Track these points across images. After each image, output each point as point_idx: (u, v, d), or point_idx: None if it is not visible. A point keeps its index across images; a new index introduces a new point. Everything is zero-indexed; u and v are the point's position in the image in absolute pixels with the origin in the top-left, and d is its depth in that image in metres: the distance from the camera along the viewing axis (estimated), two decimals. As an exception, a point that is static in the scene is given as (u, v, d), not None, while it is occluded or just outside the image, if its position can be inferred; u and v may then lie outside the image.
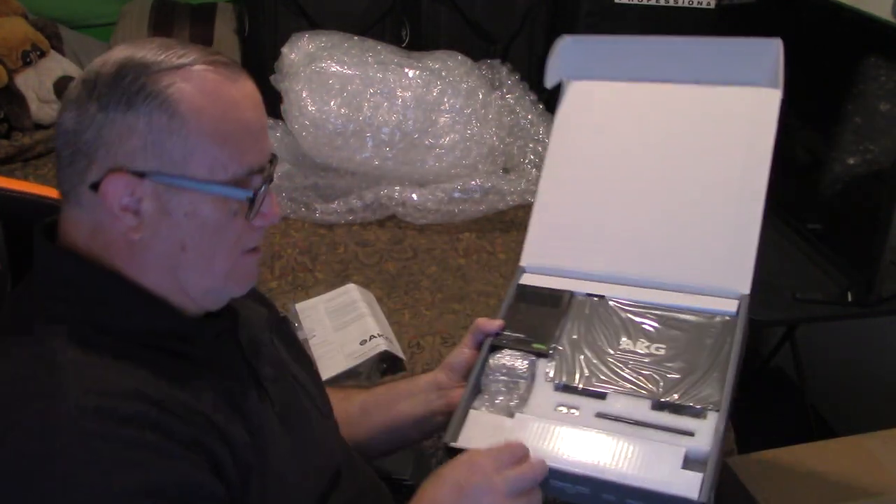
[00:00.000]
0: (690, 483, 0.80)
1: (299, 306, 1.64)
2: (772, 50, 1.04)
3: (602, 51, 1.14)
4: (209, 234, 0.77)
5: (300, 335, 1.55)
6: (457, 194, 2.00)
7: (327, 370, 1.45)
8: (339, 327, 1.55)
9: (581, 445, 0.85)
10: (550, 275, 1.05)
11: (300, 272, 1.80)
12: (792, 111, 1.80)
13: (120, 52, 0.76)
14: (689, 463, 0.82)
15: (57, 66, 2.26)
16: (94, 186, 0.74)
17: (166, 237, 0.77)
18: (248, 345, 0.86)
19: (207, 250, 0.78)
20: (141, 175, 0.74)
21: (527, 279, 1.05)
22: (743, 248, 0.98)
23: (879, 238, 1.51)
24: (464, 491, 0.80)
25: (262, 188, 0.78)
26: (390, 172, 2.05)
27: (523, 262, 1.07)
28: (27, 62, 2.21)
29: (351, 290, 1.65)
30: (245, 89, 0.80)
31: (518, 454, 0.83)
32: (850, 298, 1.57)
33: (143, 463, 0.67)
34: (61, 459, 0.65)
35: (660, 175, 1.06)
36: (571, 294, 1.02)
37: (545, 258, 1.06)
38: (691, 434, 0.85)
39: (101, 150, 0.74)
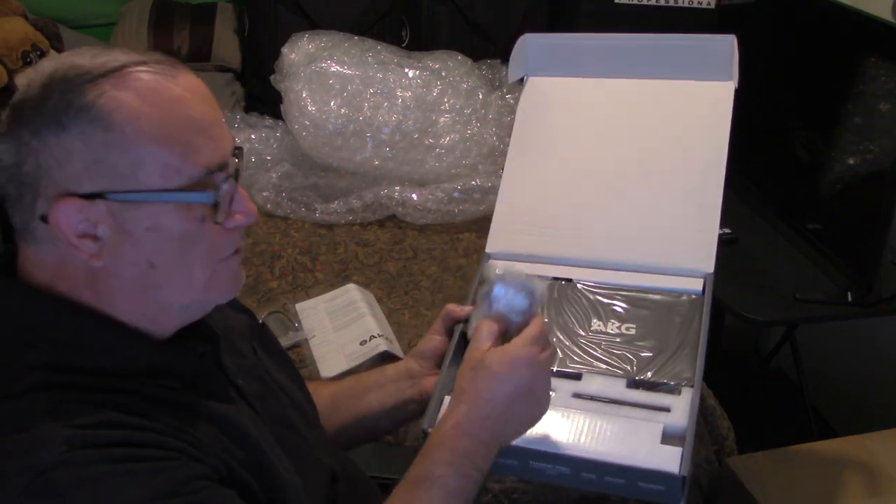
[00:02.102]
0: (670, 457, 0.81)
1: (299, 306, 1.64)
2: (727, 46, 1.08)
3: (562, 48, 1.18)
4: (177, 247, 0.73)
5: (300, 335, 1.55)
6: (457, 194, 1.99)
7: (327, 370, 1.45)
8: (339, 327, 1.55)
9: (559, 426, 0.86)
10: (516, 261, 1.06)
11: (300, 272, 1.80)
12: (792, 111, 1.81)
13: (45, 69, 0.71)
14: (667, 438, 0.83)
15: (57, 66, 2.26)
16: (45, 218, 0.69)
17: (131, 258, 0.71)
18: (232, 367, 0.84)
19: (179, 264, 0.73)
20: (90, 197, 0.69)
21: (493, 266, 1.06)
22: (706, 228, 1.01)
23: (879, 238, 1.51)
24: (522, 389, 0.83)
25: (226, 186, 0.74)
26: (390, 172, 2.05)
27: (489, 249, 1.09)
28: (27, 62, 2.21)
29: (351, 290, 1.65)
30: (187, 84, 0.73)
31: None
32: (850, 298, 1.57)
33: (147, 472, 0.66)
34: (64, 496, 0.63)
35: (621, 163, 1.09)
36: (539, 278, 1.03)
37: (510, 245, 1.08)
38: (667, 410, 0.86)
39: (44, 179, 0.69)
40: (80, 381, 0.70)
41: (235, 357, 0.86)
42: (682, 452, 0.81)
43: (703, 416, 1.51)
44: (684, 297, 0.98)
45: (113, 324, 0.73)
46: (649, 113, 1.11)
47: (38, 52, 2.24)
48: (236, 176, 0.76)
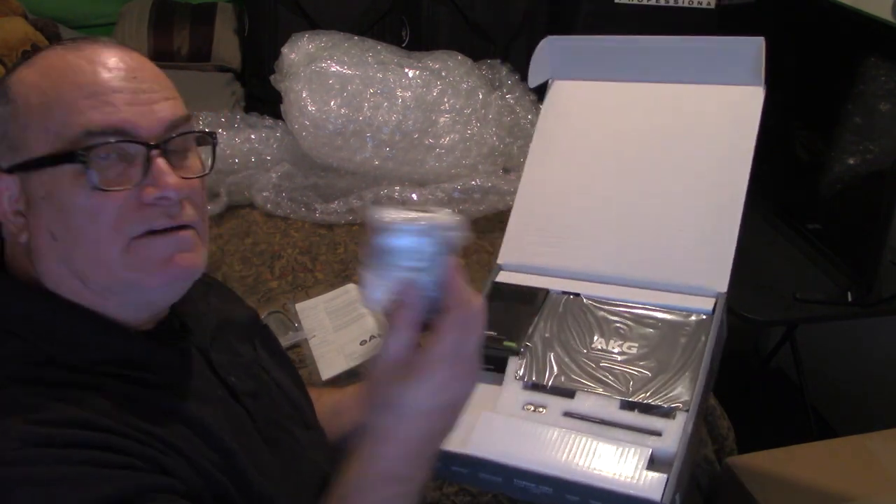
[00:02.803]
0: (654, 484, 0.78)
1: (299, 306, 1.64)
2: (755, 48, 1.03)
3: (586, 51, 1.13)
4: (71, 216, 0.71)
5: (300, 335, 1.55)
6: (457, 194, 1.99)
7: (327, 370, 1.45)
8: (339, 327, 1.55)
9: (546, 444, 0.83)
10: (527, 272, 1.03)
11: (300, 272, 1.80)
12: (792, 111, 1.80)
13: None
14: (655, 464, 0.80)
15: (57, 66, 2.26)
16: None
17: (37, 230, 0.72)
18: (223, 364, 0.82)
19: (78, 235, 0.71)
20: (8, 172, 0.72)
21: (503, 277, 1.04)
22: (722, 246, 0.97)
23: (879, 238, 1.51)
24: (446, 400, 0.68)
25: (101, 147, 0.70)
26: (390, 172, 2.05)
27: (500, 260, 1.06)
28: (27, 62, 2.21)
29: (351, 290, 1.65)
30: (92, 55, 0.73)
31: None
32: (850, 298, 1.57)
33: (100, 478, 0.64)
34: (9, 494, 0.62)
35: (641, 173, 1.05)
36: (547, 292, 1.01)
37: (523, 256, 1.05)
38: (658, 434, 0.83)
39: None
40: (52, 375, 0.69)
41: (230, 355, 0.85)
42: (667, 479, 0.78)
43: (703, 416, 1.51)
44: (693, 317, 0.94)
45: (79, 311, 0.73)
46: (673, 120, 1.07)
47: (38, 52, 2.24)
48: (156, 147, 0.73)
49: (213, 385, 0.80)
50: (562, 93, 1.14)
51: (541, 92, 1.17)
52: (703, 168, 1.02)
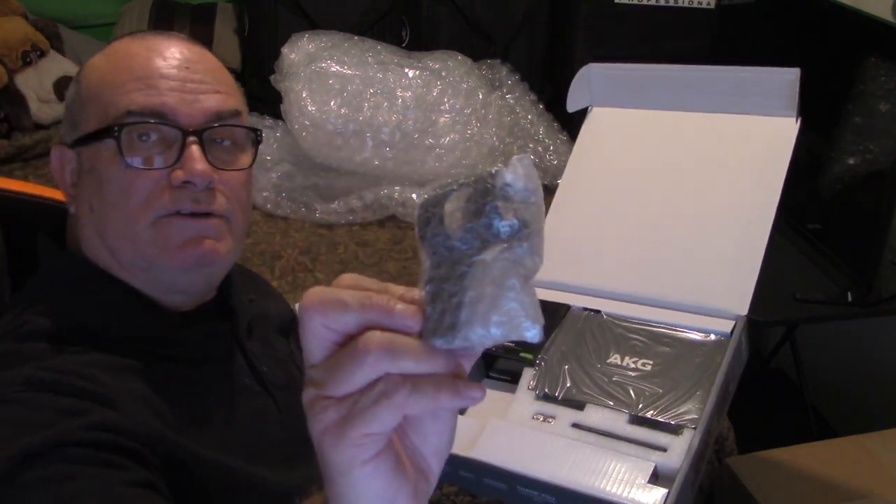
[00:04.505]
0: (654, 498, 0.78)
1: (299, 306, 1.64)
2: (790, 79, 1.05)
3: (625, 78, 1.16)
4: (107, 190, 0.74)
5: (300, 335, 1.55)
6: (457, 194, 1.99)
7: (327, 370, 1.45)
8: (340, 327, 1.55)
9: (552, 454, 0.84)
10: (551, 288, 1.05)
11: (300, 272, 1.80)
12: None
13: None
14: (659, 479, 0.81)
15: (57, 66, 2.26)
16: None
17: (81, 201, 0.77)
18: (257, 354, 0.84)
19: (110, 209, 0.75)
20: (70, 147, 0.78)
21: None
22: (745, 270, 0.98)
23: (879, 238, 1.51)
24: None
25: (135, 125, 0.74)
26: (390, 172, 2.05)
27: None
28: (27, 62, 2.21)
29: (351, 291, 1.65)
30: (150, 44, 0.78)
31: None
32: (850, 298, 1.57)
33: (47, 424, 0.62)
34: None
35: (670, 198, 1.07)
36: (568, 307, 1.02)
37: (548, 273, 1.06)
38: (664, 450, 0.84)
39: None
40: (77, 337, 0.72)
41: (266, 346, 0.87)
42: (667, 494, 0.78)
43: (713, 436, 1.51)
44: (711, 338, 0.95)
45: (108, 280, 0.77)
46: (706, 149, 1.09)
47: (38, 52, 2.23)
48: (200, 137, 0.75)
49: (242, 372, 0.82)
50: (599, 119, 1.17)
51: (551, 94, 1.18)
52: (732, 195, 1.04)
